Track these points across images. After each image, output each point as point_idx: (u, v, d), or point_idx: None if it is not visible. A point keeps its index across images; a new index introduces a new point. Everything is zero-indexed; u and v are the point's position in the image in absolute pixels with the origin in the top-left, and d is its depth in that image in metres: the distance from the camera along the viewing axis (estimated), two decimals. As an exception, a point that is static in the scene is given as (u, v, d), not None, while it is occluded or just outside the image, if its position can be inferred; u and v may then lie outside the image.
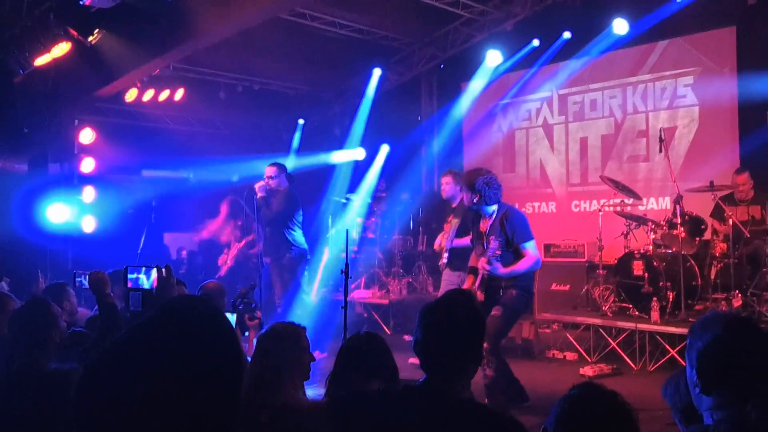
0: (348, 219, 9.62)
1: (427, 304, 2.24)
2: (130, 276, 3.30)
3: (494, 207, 4.98)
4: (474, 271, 5.07)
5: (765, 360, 1.84)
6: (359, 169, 10.84)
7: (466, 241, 5.97)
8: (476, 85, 10.16)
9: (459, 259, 6.18)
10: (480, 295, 4.81)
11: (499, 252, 4.73)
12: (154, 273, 3.00)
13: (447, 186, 6.38)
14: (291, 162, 10.95)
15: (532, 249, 4.93)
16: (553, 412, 1.76)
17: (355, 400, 2.28)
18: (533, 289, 5.25)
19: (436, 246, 6.62)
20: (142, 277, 3.06)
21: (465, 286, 5.11)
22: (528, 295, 5.16)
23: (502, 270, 4.80)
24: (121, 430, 1.08)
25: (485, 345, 4.63)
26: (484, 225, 5.04)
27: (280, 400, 2.65)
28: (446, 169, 10.37)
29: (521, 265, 4.86)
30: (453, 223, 6.31)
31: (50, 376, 2.95)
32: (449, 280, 6.13)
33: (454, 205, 6.40)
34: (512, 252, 4.90)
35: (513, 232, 4.86)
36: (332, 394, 2.85)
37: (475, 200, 4.94)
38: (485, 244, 4.91)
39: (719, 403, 1.83)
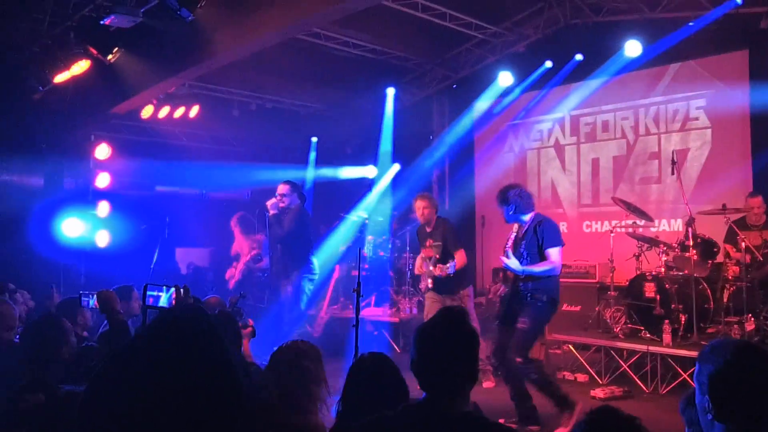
0: (360, 237, 9.65)
1: (421, 323, 2.26)
2: (149, 293, 3.35)
3: (529, 216, 5.27)
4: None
5: None
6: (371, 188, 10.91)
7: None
8: (488, 105, 10.23)
9: (444, 284, 6.27)
10: (502, 289, 5.24)
11: (510, 249, 5.12)
12: (172, 292, 3.04)
13: (426, 210, 6.45)
14: (309, 174, 11.06)
15: (554, 254, 5.14)
16: None
17: (357, 427, 2.28)
18: (559, 298, 5.36)
19: (416, 270, 6.69)
20: (161, 295, 3.10)
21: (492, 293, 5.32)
22: (553, 305, 5.30)
23: (517, 266, 5.09)
24: None
25: (518, 360, 4.94)
26: (520, 232, 5.31)
27: (295, 421, 2.66)
28: (458, 189, 10.55)
29: (539, 266, 5.11)
30: (435, 247, 6.36)
31: (62, 399, 2.96)
32: (434, 303, 6.22)
33: (429, 229, 6.47)
34: (540, 258, 5.15)
35: (543, 237, 5.13)
36: (343, 415, 2.85)
37: (511, 212, 5.23)
38: (520, 249, 5.23)
39: (731, 431, 1.82)
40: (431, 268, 6.34)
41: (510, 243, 5.28)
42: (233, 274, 8.97)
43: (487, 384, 6.50)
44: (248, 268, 8.85)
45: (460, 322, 2.20)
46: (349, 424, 2.71)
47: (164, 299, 3.18)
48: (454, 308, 2.34)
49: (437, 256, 6.34)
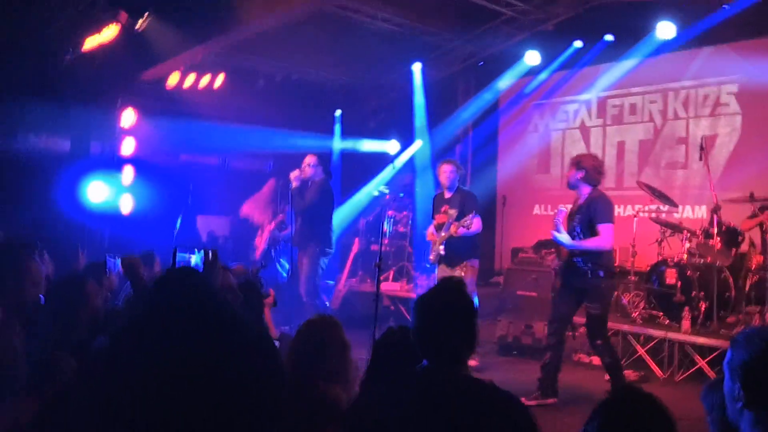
0: (380, 212, 9.67)
1: (421, 293, 2.30)
2: (180, 256, 3.40)
3: (590, 189, 5.42)
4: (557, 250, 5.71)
5: None
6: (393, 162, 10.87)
7: (477, 227, 6.09)
8: (514, 84, 10.12)
9: (455, 252, 6.27)
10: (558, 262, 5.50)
11: (561, 218, 5.26)
12: (201, 255, 3.08)
13: (452, 174, 6.49)
14: (336, 146, 11.05)
15: (605, 231, 5.26)
16: (596, 417, 1.78)
17: (363, 398, 2.33)
18: (615, 271, 5.66)
19: (428, 237, 6.71)
20: (193, 258, 3.14)
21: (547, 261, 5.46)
22: (612, 279, 5.59)
23: (567, 240, 5.26)
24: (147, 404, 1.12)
25: (598, 342, 5.25)
26: (575, 205, 5.53)
27: (316, 393, 2.70)
28: (480, 168, 10.50)
29: (588, 242, 5.28)
30: (451, 213, 6.35)
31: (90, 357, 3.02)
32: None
33: (448, 196, 6.45)
34: (590, 233, 5.30)
35: (595, 213, 5.28)
36: (366, 385, 2.89)
37: (579, 176, 5.40)
38: (573, 223, 5.41)
39: (760, 419, 1.82)
40: (443, 233, 6.34)
41: (562, 217, 5.41)
42: (259, 243, 9.02)
43: (472, 362, 6.56)
44: (273, 236, 8.90)
45: (458, 291, 2.23)
46: (370, 396, 2.75)
47: (194, 262, 3.23)
48: (452, 278, 2.37)
49: (450, 222, 6.36)
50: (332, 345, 2.97)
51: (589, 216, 5.30)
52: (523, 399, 5.26)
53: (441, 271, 6.54)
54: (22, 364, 3.08)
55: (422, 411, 2.02)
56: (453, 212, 6.35)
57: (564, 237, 5.28)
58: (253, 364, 1.25)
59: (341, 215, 9.57)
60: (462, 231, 6.15)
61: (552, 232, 5.34)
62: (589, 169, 5.43)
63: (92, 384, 1.22)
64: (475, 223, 6.23)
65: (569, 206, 5.59)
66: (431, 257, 6.67)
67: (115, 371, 1.22)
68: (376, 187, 10.17)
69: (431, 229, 6.70)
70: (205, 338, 1.22)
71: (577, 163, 5.51)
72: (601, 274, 5.32)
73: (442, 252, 6.40)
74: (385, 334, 2.91)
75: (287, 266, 7.88)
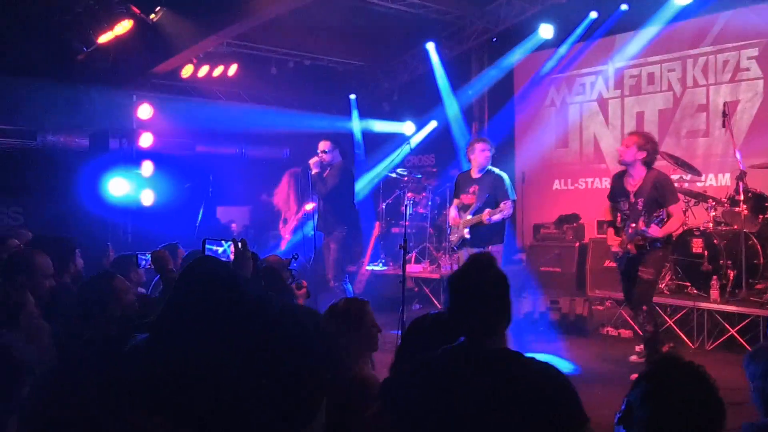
0: (400, 194, 9.65)
1: (453, 271, 2.33)
2: (208, 247, 3.41)
3: (645, 170, 5.51)
4: (613, 224, 5.72)
5: None
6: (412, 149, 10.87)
7: (508, 212, 5.97)
8: (529, 59, 10.01)
9: (480, 236, 6.17)
10: (633, 250, 5.47)
11: (663, 216, 5.26)
12: (231, 246, 3.09)
13: (487, 152, 6.30)
14: (356, 128, 11.02)
15: (677, 211, 5.49)
16: (635, 387, 1.78)
17: (400, 375, 2.34)
18: (671, 240, 5.82)
19: (452, 221, 6.54)
20: (222, 249, 3.15)
21: (611, 241, 5.70)
22: (668, 250, 5.82)
23: (660, 232, 5.29)
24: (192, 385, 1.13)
25: (644, 307, 5.37)
26: (632, 184, 5.56)
27: (351, 374, 2.71)
28: (497, 144, 10.38)
29: (672, 227, 5.45)
30: (479, 195, 6.22)
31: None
32: None
33: (476, 176, 6.34)
34: (656, 211, 5.36)
35: (665, 195, 5.39)
36: (398, 370, 2.89)
37: (640, 157, 5.47)
38: (631, 202, 5.52)
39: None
40: (469, 216, 6.24)
41: (626, 206, 5.55)
42: (283, 233, 9.05)
43: None
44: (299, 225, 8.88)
45: (489, 266, 2.24)
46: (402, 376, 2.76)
47: (223, 253, 3.24)
48: (482, 254, 2.37)
49: (479, 204, 6.24)
50: (363, 326, 2.98)
51: (656, 197, 5.38)
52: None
53: (465, 254, 6.44)
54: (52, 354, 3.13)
55: (462, 385, 2.03)
56: (483, 194, 6.20)
57: (657, 231, 5.29)
58: (293, 349, 1.25)
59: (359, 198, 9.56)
60: (495, 218, 5.98)
61: (642, 228, 5.29)
62: (651, 151, 5.52)
63: (129, 376, 1.23)
64: (506, 209, 6.00)
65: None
66: (453, 238, 6.59)
67: (154, 362, 1.22)
68: (391, 166, 10.15)
69: (453, 211, 6.57)
70: (238, 327, 1.21)
71: (640, 143, 5.50)
72: (659, 244, 5.44)
73: (467, 236, 6.24)
74: (418, 319, 2.91)
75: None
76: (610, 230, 5.79)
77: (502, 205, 6.03)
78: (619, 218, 5.71)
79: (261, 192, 10.19)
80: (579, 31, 9.35)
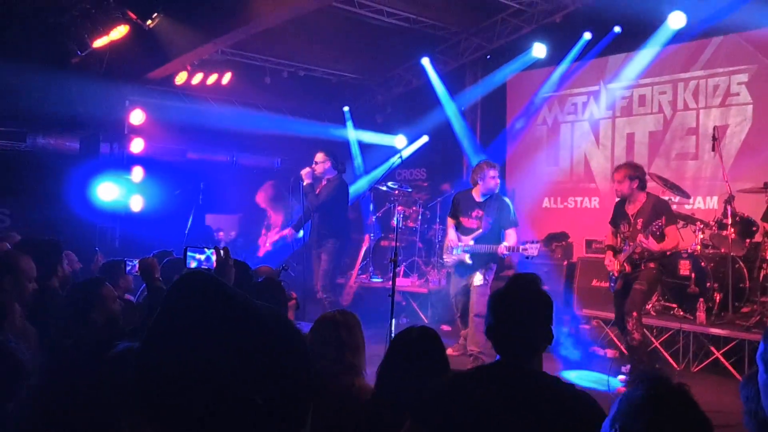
0: (389, 207, 9.67)
1: (496, 290, 2.33)
2: (190, 255, 3.37)
3: (645, 194, 5.86)
4: (614, 248, 6.00)
5: None
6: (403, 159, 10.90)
7: (516, 242, 6.04)
8: (522, 77, 10.09)
9: (480, 259, 6.23)
10: (627, 267, 5.77)
11: (657, 231, 5.51)
12: (213, 255, 3.07)
13: (497, 180, 6.35)
14: (351, 137, 11.03)
15: (674, 233, 5.75)
16: (619, 409, 1.74)
17: (435, 393, 2.32)
18: (669, 266, 6.24)
19: (451, 242, 6.49)
20: (204, 256, 3.12)
21: (608, 262, 5.91)
22: (664, 270, 6.02)
23: (656, 246, 5.56)
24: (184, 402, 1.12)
25: (634, 314, 5.47)
26: (632, 208, 5.87)
27: (343, 385, 2.70)
28: (489, 159, 10.45)
29: (668, 245, 5.70)
30: (484, 220, 6.24)
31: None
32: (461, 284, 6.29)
33: (481, 199, 6.34)
34: (659, 234, 5.67)
35: (662, 217, 5.58)
36: (382, 386, 2.86)
37: (635, 186, 5.80)
38: (631, 223, 5.81)
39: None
40: (471, 242, 6.25)
41: (626, 228, 5.86)
42: (264, 242, 9.03)
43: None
44: (283, 241, 8.88)
45: (533, 286, 2.28)
46: (388, 393, 2.74)
47: (206, 260, 3.21)
48: (526, 275, 2.39)
49: (484, 232, 6.26)
50: (352, 338, 2.97)
51: (654, 218, 5.57)
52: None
53: (457, 276, 6.51)
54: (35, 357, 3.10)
55: (499, 406, 2.02)
56: (488, 219, 6.24)
57: (653, 243, 5.56)
58: (284, 361, 1.25)
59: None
60: (505, 251, 6.16)
61: (643, 240, 5.56)
62: (641, 176, 5.85)
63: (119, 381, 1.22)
64: (512, 239, 6.19)
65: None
66: (449, 261, 6.57)
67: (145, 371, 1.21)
68: (377, 178, 10.18)
69: (453, 233, 6.50)
70: (231, 339, 1.20)
71: (630, 174, 5.81)
72: (652, 264, 5.73)
73: (469, 261, 6.28)
74: (403, 332, 2.90)
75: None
76: (609, 252, 6.02)
77: (507, 233, 6.23)
78: (619, 240, 5.99)
79: (252, 200, 10.18)
80: (573, 51, 9.43)
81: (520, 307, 2.20)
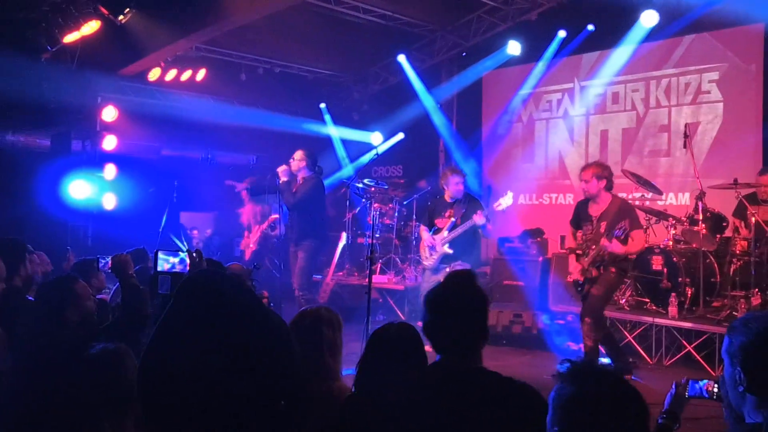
0: (366, 204, 9.65)
1: (432, 288, 2.31)
2: (162, 257, 3.33)
3: (610, 195, 5.81)
4: (574, 250, 5.95)
5: None
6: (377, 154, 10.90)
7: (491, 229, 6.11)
8: (498, 74, 10.14)
9: (458, 252, 6.29)
10: (594, 272, 5.69)
11: (621, 234, 5.43)
12: (186, 257, 3.03)
13: (461, 186, 6.51)
14: (332, 134, 11.00)
15: (639, 236, 5.71)
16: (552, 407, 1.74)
17: (376, 391, 2.32)
18: (629, 269, 6.18)
19: (426, 242, 6.61)
20: (177, 259, 3.08)
21: (572, 269, 5.86)
22: (624, 274, 6.02)
23: (621, 249, 5.51)
24: (188, 406, 1.11)
25: (587, 319, 5.47)
26: (596, 209, 5.81)
27: (325, 385, 2.68)
28: (465, 158, 10.52)
29: (633, 248, 5.69)
30: (455, 211, 6.32)
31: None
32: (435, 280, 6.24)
33: (451, 201, 6.46)
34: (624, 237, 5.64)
35: (628, 219, 5.53)
36: (361, 383, 2.85)
37: (602, 186, 5.74)
38: (594, 226, 5.75)
39: (763, 402, 1.85)
40: (446, 233, 6.31)
41: (589, 229, 5.78)
42: (248, 243, 8.98)
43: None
44: (264, 235, 8.85)
45: (469, 283, 2.24)
46: (367, 391, 2.73)
47: (181, 262, 3.17)
48: (461, 271, 2.37)
49: (454, 220, 6.36)
50: (334, 339, 2.95)
51: (619, 221, 5.53)
52: None
53: (434, 273, 6.53)
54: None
55: (438, 406, 2.02)
56: (458, 212, 6.37)
57: (617, 246, 5.50)
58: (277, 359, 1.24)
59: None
60: (482, 220, 6.16)
61: (607, 243, 5.51)
62: (609, 176, 5.78)
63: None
64: (487, 213, 6.27)
65: None
66: (429, 263, 6.62)
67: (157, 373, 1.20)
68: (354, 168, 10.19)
69: (426, 234, 6.62)
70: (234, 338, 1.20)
71: (598, 173, 5.76)
72: (612, 269, 5.68)
73: (449, 251, 6.37)
74: (381, 329, 2.89)
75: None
76: (572, 257, 6.01)
77: (478, 213, 6.27)
78: (580, 239, 5.93)
79: (227, 197, 10.10)
80: (548, 49, 9.50)
81: (455, 303, 2.18)
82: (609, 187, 5.80)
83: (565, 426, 1.68)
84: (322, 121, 11.31)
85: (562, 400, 1.70)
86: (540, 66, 9.78)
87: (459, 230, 6.29)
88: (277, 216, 7.99)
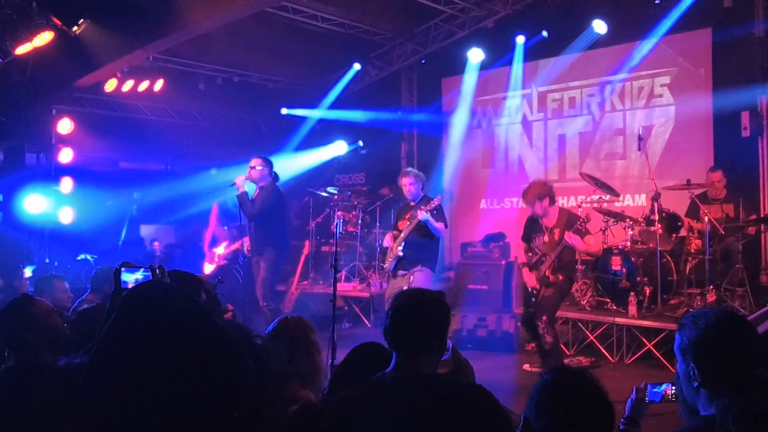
0: (329, 213, 9.65)
1: (399, 292, 2.37)
2: (124, 274, 3.26)
3: (557, 208, 6.03)
4: (528, 264, 6.07)
5: (757, 348, 1.94)
6: (340, 163, 10.94)
7: (440, 227, 6.15)
8: (457, 81, 10.25)
9: (412, 256, 6.29)
10: (552, 277, 5.86)
11: (582, 228, 5.69)
12: (147, 273, 2.97)
13: (412, 187, 6.45)
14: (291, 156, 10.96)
15: (596, 238, 6.05)
16: (530, 400, 1.87)
17: (329, 404, 2.34)
18: (574, 277, 6.56)
19: (385, 243, 6.65)
20: (139, 276, 3.02)
21: (527, 278, 5.98)
22: (571, 282, 6.31)
23: (581, 244, 5.72)
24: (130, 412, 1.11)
25: (544, 317, 5.63)
26: (549, 221, 5.96)
27: (296, 396, 2.67)
28: (426, 164, 10.58)
29: (591, 248, 5.99)
30: (413, 214, 6.32)
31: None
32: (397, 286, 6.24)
33: (413, 204, 6.47)
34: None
35: (577, 227, 5.71)
36: (334, 395, 2.83)
37: (546, 204, 5.90)
38: (550, 234, 5.91)
39: (716, 394, 1.91)
40: (402, 234, 6.32)
41: (542, 239, 5.95)
42: (213, 258, 8.89)
43: None
44: (235, 252, 8.74)
45: (436, 297, 2.31)
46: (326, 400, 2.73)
47: (145, 278, 3.12)
48: (432, 291, 2.41)
49: (412, 221, 6.36)
50: (304, 346, 2.94)
51: (573, 225, 5.72)
52: None
53: (394, 278, 6.51)
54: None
55: (392, 413, 2.04)
56: (416, 214, 6.29)
57: (578, 241, 5.69)
58: (235, 369, 1.24)
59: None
60: (425, 214, 6.09)
61: (570, 237, 5.66)
62: (549, 192, 5.93)
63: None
64: (436, 201, 6.24)
65: None
66: (387, 265, 6.63)
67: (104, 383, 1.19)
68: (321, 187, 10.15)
69: (388, 237, 6.64)
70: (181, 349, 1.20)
71: (539, 194, 5.89)
72: (561, 276, 5.87)
73: (401, 253, 6.33)
74: (356, 350, 2.88)
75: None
76: (525, 269, 6.10)
77: (432, 201, 6.27)
78: (532, 255, 6.06)
79: (185, 209, 9.98)
80: (503, 55, 9.64)
81: (416, 308, 2.24)
82: (552, 202, 5.95)
83: (533, 411, 1.83)
84: (284, 129, 11.27)
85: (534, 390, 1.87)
86: (498, 72, 9.91)
87: (407, 230, 6.30)
88: (237, 246, 7.83)
